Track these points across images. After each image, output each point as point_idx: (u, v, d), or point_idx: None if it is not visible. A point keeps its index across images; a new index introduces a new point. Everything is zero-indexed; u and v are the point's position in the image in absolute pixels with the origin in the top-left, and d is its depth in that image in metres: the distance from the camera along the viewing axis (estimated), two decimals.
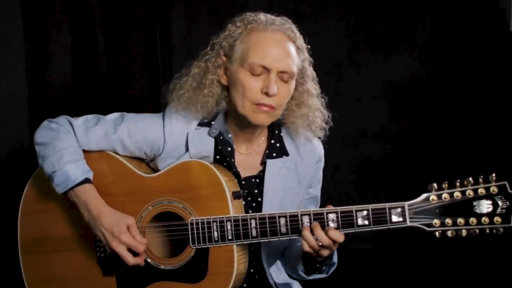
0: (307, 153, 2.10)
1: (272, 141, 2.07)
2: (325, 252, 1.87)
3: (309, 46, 2.04)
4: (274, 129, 2.08)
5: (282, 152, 2.07)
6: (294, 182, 2.08)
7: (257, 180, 2.07)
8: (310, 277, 2.05)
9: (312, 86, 2.07)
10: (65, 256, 2.08)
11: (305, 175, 2.10)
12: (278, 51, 1.93)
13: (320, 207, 2.19)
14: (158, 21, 3.53)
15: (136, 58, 3.55)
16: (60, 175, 1.97)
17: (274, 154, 2.06)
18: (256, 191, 2.06)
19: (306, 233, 1.85)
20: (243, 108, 1.95)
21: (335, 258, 2.01)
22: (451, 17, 3.44)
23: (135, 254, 1.96)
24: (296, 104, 2.05)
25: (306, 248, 1.86)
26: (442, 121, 3.49)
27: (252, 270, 2.08)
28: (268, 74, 1.92)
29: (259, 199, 2.05)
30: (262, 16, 1.99)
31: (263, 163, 2.07)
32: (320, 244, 1.85)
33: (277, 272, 2.17)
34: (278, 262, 2.22)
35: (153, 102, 3.51)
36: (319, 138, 2.11)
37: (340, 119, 3.70)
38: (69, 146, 2.00)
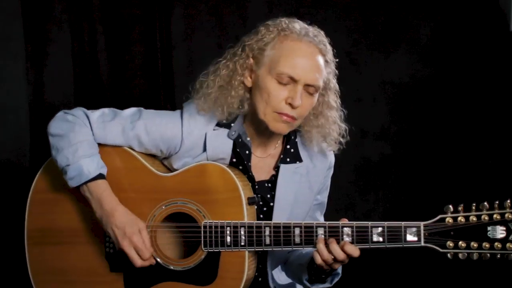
0: (319, 161, 2.10)
1: (288, 146, 2.07)
2: (337, 266, 1.88)
3: (337, 60, 2.04)
4: (290, 135, 2.07)
5: (296, 157, 2.07)
6: (305, 188, 2.08)
7: (270, 185, 2.06)
8: (314, 286, 2.04)
9: (333, 99, 2.08)
10: (72, 249, 2.07)
11: (316, 182, 2.10)
12: (308, 64, 1.92)
13: (329, 214, 2.19)
14: (158, 21, 3.52)
15: (136, 58, 3.54)
16: (74, 169, 1.95)
17: (288, 159, 2.06)
18: (268, 195, 2.05)
19: (321, 246, 1.85)
20: (264, 114, 1.94)
21: (339, 269, 2.01)
22: (451, 17, 3.44)
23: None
24: (313, 114, 2.05)
25: (319, 261, 1.85)
26: (442, 121, 3.49)
27: (256, 274, 2.08)
28: (294, 85, 1.91)
29: (271, 204, 2.04)
30: (296, 24, 1.97)
31: (276, 168, 2.06)
32: (333, 258, 1.84)
33: (278, 273, 2.17)
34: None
35: (154, 102, 3.51)
36: (331, 150, 2.12)
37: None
38: (84, 140, 1.99)
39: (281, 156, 2.07)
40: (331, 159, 2.15)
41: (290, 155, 2.07)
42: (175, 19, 3.54)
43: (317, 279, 2.00)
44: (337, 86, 2.08)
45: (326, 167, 2.13)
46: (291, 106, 1.91)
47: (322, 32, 2.01)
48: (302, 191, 2.07)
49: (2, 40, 3.35)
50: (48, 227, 2.09)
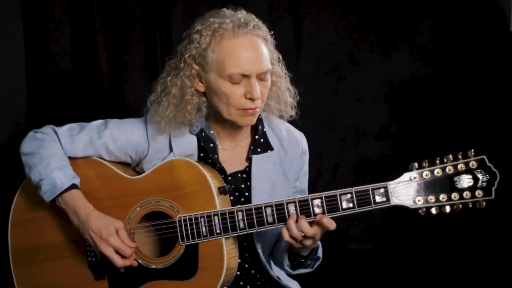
0: (290, 147, 2.12)
1: (256, 137, 2.09)
2: (309, 242, 1.88)
3: (272, 32, 2.03)
4: (258, 125, 2.09)
5: (266, 147, 2.09)
6: (280, 175, 2.10)
7: (244, 175, 2.08)
8: (296, 272, 2.08)
9: (279, 68, 2.07)
10: (57, 264, 2.10)
11: (290, 168, 2.12)
12: (252, 55, 1.93)
13: None
14: (158, 21, 3.53)
15: (136, 58, 3.55)
16: (48, 183, 2.00)
17: (259, 150, 2.08)
18: (243, 186, 2.07)
19: (291, 222, 1.86)
20: (229, 114, 1.97)
21: (319, 253, 2.04)
22: (451, 17, 3.44)
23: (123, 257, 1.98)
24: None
25: (287, 237, 1.87)
26: (442, 121, 3.49)
27: (247, 265, 2.09)
28: (248, 79, 1.93)
29: (247, 194, 2.06)
30: (227, 19, 1.95)
31: (249, 159, 2.08)
32: (303, 235, 1.85)
33: (277, 270, 2.18)
34: None
35: None
36: (291, 116, 2.12)
37: (340, 119, 3.72)
38: (55, 154, 2.03)
39: (252, 147, 2.08)
40: (303, 144, 2.17)
41: (260, 145, 2.09)
42: (175, 19, 3.54)
43: (298, 264, 2.02)
44: (279, 55, 2.08)
45: (298, 154, 2.15)
46: (251, 99, 1.93)
47: (253, 14, 2.01)
48: (278, 179, 2.10)
49: (2, 40, 3.36)
50: (32, 246, 2.12)
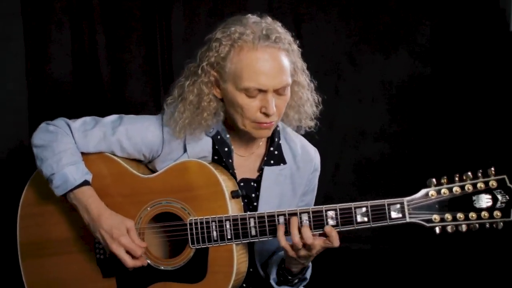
0: (304, 162, 2.10)
1: (271, 149, 2.06)
2: (303, 253, 1.86)
3: (297, 41, 1.98)
4: (274, 137, 2.06)
5: (280, 160, 2.06)
6: (289, 190, 2.07)
7: (255, 184, 2.06)
8: None
9: (303, 78, 2.02)
10: (65, 259, 2.09)
11: (300, 184, 2.10)
12: (271, 70, 1.88)
13: None
14: (158, 21, 3.53)
15: (136, 58, 3.55)
16: (59, 178, 1.97)
17: (272, 162, 2.06)
18: (253, 195, 2.05)
19: (291, 227, 1.84)
20: (243, 125, 1.94)
21: (307, 274, 2.02)
22: (451, 17, 3.44)
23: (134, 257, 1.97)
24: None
25: (283, 242, 1.85)
26: (442, 121, 3.49)
27: (251, 269, 2.08)
28: (264, 94, 1.89)
29: (255, 204, 2.04)
30: (248, 30, 1.90)
31: (260, 169, 2.06)
32: (303, 244, 1.83)
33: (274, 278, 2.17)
34: None
35: (153, 103, 3.51)
36: (310, 128, 2.09)
37: (340, 119, 3.72)
38: (67, 149, 2.00)
39: (265, 158, 2.06)
40: (316, 161, 2.14)
41: (274, 157, 2.06)
42: (175, 19, 3.54)
43: (285, 280, 2.01)
44: (303, 63, 2.03)
45: (310, 170, 2.12)
46: (266, 115, 1.90)
47: (276, 22, 1.97)
48: (286, 192, 2.07)
49: (2, 40, 3.35)
50: (40, 239, 2.11)
